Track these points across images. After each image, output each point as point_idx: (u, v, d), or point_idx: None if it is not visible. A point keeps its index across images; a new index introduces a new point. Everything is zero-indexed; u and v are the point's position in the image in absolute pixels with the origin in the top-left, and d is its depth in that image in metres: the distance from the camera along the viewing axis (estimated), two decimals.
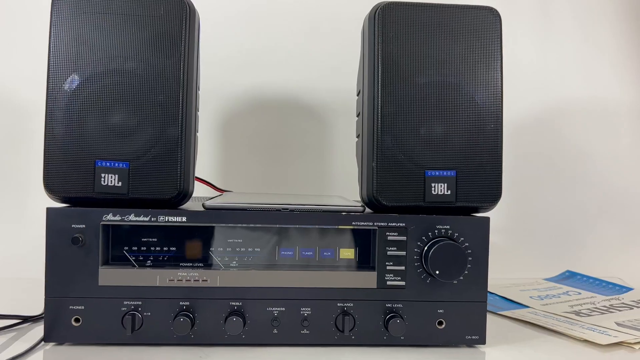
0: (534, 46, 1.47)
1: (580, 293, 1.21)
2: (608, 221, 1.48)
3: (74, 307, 0.79)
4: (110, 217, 0.79)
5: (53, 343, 0.80)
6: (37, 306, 0.89)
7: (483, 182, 0.83)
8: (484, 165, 0.83)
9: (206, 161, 1.35)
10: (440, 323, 0.83)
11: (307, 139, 1.39)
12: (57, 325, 0.79)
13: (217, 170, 1.36)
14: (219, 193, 1.15)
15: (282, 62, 1.40)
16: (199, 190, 1.01)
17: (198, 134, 0.96)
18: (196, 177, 1.00)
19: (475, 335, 0.84)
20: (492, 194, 0.84)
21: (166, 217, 0.80)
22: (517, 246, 1.45)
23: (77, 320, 0.79)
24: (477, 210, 0.86)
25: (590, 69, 1.48)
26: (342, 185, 1.39)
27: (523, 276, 1.38)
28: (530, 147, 1.47)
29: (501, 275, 1.34)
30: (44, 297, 0.79)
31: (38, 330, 0.80)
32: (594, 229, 1.48)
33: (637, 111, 1.49)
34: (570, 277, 1.36)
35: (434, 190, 0.83)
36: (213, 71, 1.34)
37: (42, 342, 0.79)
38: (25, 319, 0.90)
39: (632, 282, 1.30)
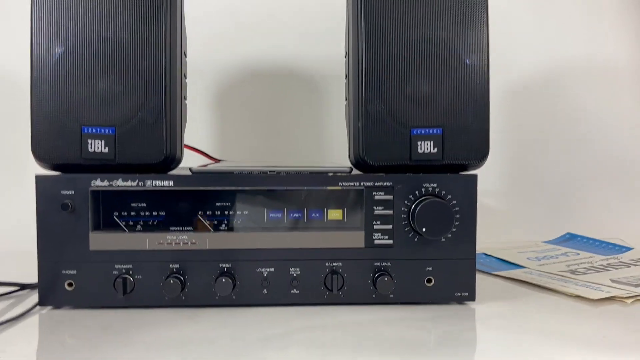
0: (532, 5, 1.44)
1: (578, 254, 1.21)
2: (609, 182, 1.46)
3: (67, 272, 0.80)
4: (98, 182, 0.80)
5: (48, 307, 0.82)
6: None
7: (470, 139, 0.83)
8: (471, 122, 0.83)
9: (202, 132, 1.35)
10: (429, 280, 0.83)
11: (304, 108, 1.39)
12: (51, 290, 0.80)
13: (213, 141, 1.36)
14: (213, 162, 1.15)
15: (276, 31, 1.39)
16: (194, 161, 1.01)
17: (187, 102, 0.96)
18: (187, 145, 1.01)
19: (464, 292, 0.84)
20: (480, 151, 0.83)
21: (153, 182, 0.81)
22: (516, 209, 1.45)
23: (70, 284, 0.81)
24: (465, 168, 0.86)
25: (590, 27, 1.45)
26: (340, 153, 1.38)
27: (524, 239, 1.37)
28: (529, 108, 1.45)
29: (499, 238, 1.34)
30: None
31: (36, 297, 0.81)
32: (595, 190, 1.47)
33: (638, 70, 1.47)
34: (570, 239, 1.35)
35: (420, 148, 0.82)
36: (208, 42, 1.34)
37: (37, 307, 0.81)
38: (23, 286, 0.92)
39: (634, 242, 1.29)
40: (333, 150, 1.38)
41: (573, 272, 1.04)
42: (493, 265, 1.11)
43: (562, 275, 1.01)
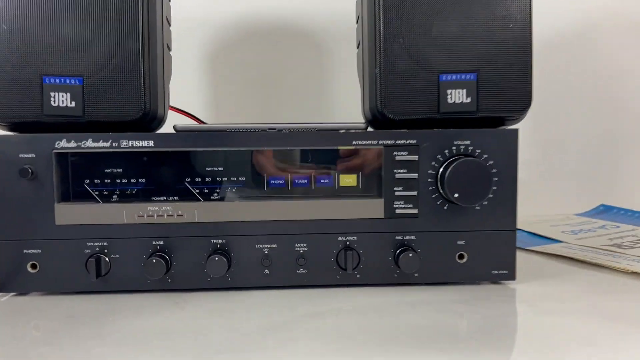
0: None
1: (618, 226, 1.07)
2: None
3: (29, 251, 0.67)
4: (64, 143, 0.67)
5: (9, 294, 0.69)
6: None
7: (509, 86, 0.69)
8: (510, 65, 0.69)
9: (195, 98, 1.21)
10: (460, 256, 0.70)
11: (306, 70, 1.24)
12: (11, 273, 0.67)
13: (207, 107, 1.22)
14: None
15: None
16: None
17: (172, 53, 0.82)
18: (172, 107, 0.87)
19: (502, 270, 0.71)
20: (521, 101, 0.69)
21: (130, 142, 0.67)
22: (543, 179, 1.31)
23: (33, 266, 0.67)
24: (501, 122, 0.72)
25: None
26: (346, 119, 1.24)
27: (551, 212, 1.24)
28: (559, 66, 1.30)
29: (527, 211, 1.20)
30: None
31: None
32: (629, 158, 1.33)
33: None
34: (605, 212, 1.22)
35: (450, 98, 0.68)
36: None
37: None
38: None
39: None
40: (338, 116, 1.24)
41: (619, 246, 0.91)
42: (525, 239, 0.98)
43: (608, 250, 0.88)
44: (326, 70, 1.25)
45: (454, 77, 0.68)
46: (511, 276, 0.71)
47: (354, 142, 0.69)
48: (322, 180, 0.71)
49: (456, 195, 0.66)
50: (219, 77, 1.22)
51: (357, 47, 0.83)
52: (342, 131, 0.69)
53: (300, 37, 1.24)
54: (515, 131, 0.69)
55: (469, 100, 0.69)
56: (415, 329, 0.56)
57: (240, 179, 0.70)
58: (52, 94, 0.67)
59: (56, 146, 0.67)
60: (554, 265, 0.82)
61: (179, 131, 0.69)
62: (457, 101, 0.68)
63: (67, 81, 0.67)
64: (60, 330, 0.57)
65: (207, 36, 1.21)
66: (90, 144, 0.67)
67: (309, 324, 0.58)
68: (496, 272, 0.71)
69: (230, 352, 0.51)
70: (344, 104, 1.25)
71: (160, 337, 0.55)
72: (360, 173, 0.70)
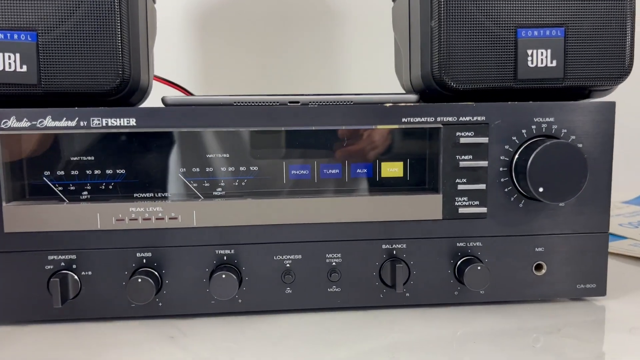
0: None
1: None
2: None
3: None
4: (12, 122, 0.49)
5: None
6: None
7: (604, 46, 0.52)
8: (605, 20, 0.52)
9: (182, 65, 1.02)
10: (538, 267, 0.55)
11: (313, 34, 1.06)
12: None
13: (195, 76, 1.04)
14: None
15: None
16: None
17: (156, 7, 0.64)
18: (156, 77, 0.69)
19: (590, 284, 0.55)
20: (618, 66, 0.53)
21: (103, 120, 0.50)
22: None
23: None
24: (588, 93, 0.56)
25: None
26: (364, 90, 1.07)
27: None
28: None
29: None
30: None
31: None
32: None
33: None
34: None
35: (531, 61, 0.52)
36: None
37: None
38: None
39: None
40: (353, 86, 1.06)
41: None
42: None
43: None
44: (336, 34, 1.07)
45: (535, 32, 0.52)
46: (601, 291, 0.55)
47: (403, 120, 0.52)
48: (358, 170, 0.54)
49: (541, 189, 0.50)
50: (210, 42, 1.04)
51: (394, 0, 0.66)
52: (388, 105, 0.52)
53: None
54: (612, 105, 0.53)
55: (554, 63, 0.52)
56: None
57: (251, 169, 0.53)
58: None
59: (2, 126, 0.49)
60: (635, 271, 0.67)
61: (170, 105, 0.52)
62: (539, 64, 0.52)
63: (15, 37, 0.49)
64: None
65: None
66: (49, 122, 0.49)
67: None
68: (582, 286, 0.55)
69: None
70: (356, 73, 1.07)
71: None
72: (408, 160, 0.54)
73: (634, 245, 0.76)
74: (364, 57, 1.04)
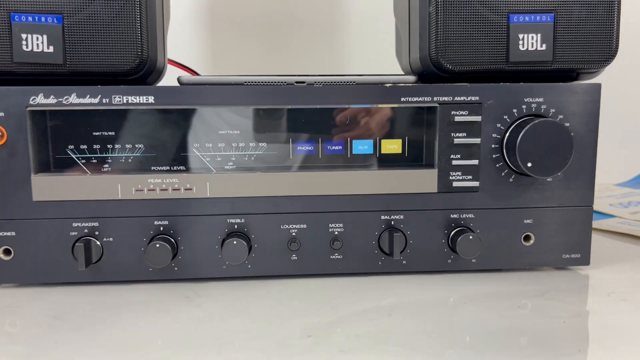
0: None
1: None
2: None
3: (1, 234, 0.54)
4: (40, 99, 0.53)
5: None
6: None
7: (592, 31, 0.56)
8: (594, 5, 0.56)
9: (188, 50, 1.06)
10: (526, 238, 0.59)
11: (316, 17, 1.09)
12: None
13: (202, 60, 1.07)
14: None
15: None
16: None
17: None
18: (170, 60, 0.73)
19: (575, 254, 0.59)
20: (605, 49, 0.57)
21: (124, 97, 0.54)
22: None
23: (7, 252, 0.54)
24: (576, 76, 0.59)
25: None
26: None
27: None
28: None
29: None
30: None
31: None
32: None
33: None
34: None
35: (522, 44, 0.55)
36: None
37: None
38: None
39: None
40: (355, 70, 1.10)
41: None
42: None
43: None
44: (338, 16, 1.11)
45: (526, 18, 0.55)
46: (585, 261, 0.60)
47: (402, 99, 0.56)
48: (359, 147, 0.58)
49: (529, 164, 0.54)
50: (217, 27, 1.07)
51: None
52: (388, 85, 0.56)
53: None
54: (598, 87, 0.57)
55: (544, 47, 0.56)
56: (487, 333, 0.45)
57: (260, 144, 0.57)
58: (23, 36, 0.52)
59: (31, 102, 0.53)
60: (621, 246, 0.71)
61: (185, 84, 0.56)
62: (530, 48, 0.55)
63: (43, 19, 0.53)
64: (43, 336, 0.45)
65: None
66: (74, 99, 0.53)
67: (359, 328, 0.46)
68: (567, 256, 0.59)
69: None
70: (358, 56, 1.10)
71: (175, 349, 0.42)
72: (406, 137, 0.58)
73: (621, 223, 0.80)
74: (366, 42, 1.08)
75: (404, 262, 0.58)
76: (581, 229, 0.59)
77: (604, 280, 0.58)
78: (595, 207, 0.90)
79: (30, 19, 0.52)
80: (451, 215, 0.58)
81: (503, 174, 0.57)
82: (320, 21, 1.09)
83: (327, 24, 1.09)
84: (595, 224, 0.81)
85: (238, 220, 0.56)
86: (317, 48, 1.09)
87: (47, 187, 0.54)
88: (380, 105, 0.56)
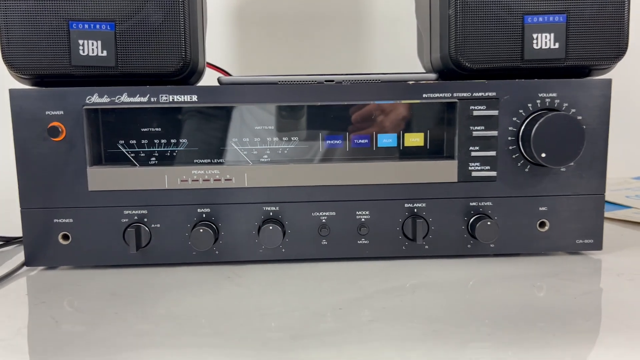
0: None
1: None
2: None
3: (60, 221, 0.60)
4: (95, 98, 0.59)
5: (38, 268, 0.62)
6: None
7: (602, 29, 0.60)
8: (604, 5, 0.59)
9: (218, 50, 1.11)
10: (542, 224, 0.63)
11: (340, 20, 1.14)
12: (40, 245, 0.60)
13: (232, 61, 1.13)
14: None
15: None
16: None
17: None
18: (208, 64, 0.78)
19: (588, 239, 0.63)
20: (615, 47, 0.60)
21: (170, 96, 0.59)
22: None
23: (65, 237, 0.60)
24: (589, 71, 0.63)
25: None
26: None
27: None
28: None
29: None
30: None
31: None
32: None
33: None
34: None
35: (536, 43, 0.60)
36: None
37: (25, 267, 0.61)
38: (9, 240, 0.72)
39: None
40: (378, 69, 1.14)
41: None
42: None
43: None
44: (361, 17, 1.15)
45: (540, 19, 0.59)
46: (597, 246, 0.63)
47: (424, 95, 0.60)
48: (384, 140, 0.62)
49: (544, 155, 0.58)
50: (247, 30, 1.13)
51: None
52: (410, 82, 0.61)
53: None
54: (609, 82, 0.61)
55: (557, 46, 0.60)
56: (504, 309, 0.49)
57: (293, 138, 0.62)
58: (80, 42, 0.58)
59: (87, 102, 0.59)
60: (634, 234, 0.74)
61: (224, 84, 0.61)
62: (544, 46, 0.59)
63: (97, 27, 0.58)
64: (101, 310, 0.50)
65: None
66: (125, 98, 0.59)
67: (385, 303, 0.50)
68: (581, 241, 0.63)
69: (309, 336, 0.44)
70: (381, 54, 1.14)
71: (222, 319, 0.48)
72: (428, 131, 0.62)
73: (637, 213, 0.83)
74: (387, 42, 1.12)
75: (427, 247, 0.62)
76: (594, 216, 0.63)
77: (615, 263, 0.61)
78: (613, 198, 0.93)
79: (86, 26, 0.58)
80: (470, 203, 0.62)
81: (519, 164, 0.61)
82: (344, 21, 1.13)
83: (352, 24, 1.14)
84: (612, 214, 0.84)
85: (273, 208, 0.61)
86: (342, 47, 1.13)
87: (101, 178, 0.60)
88: (403, 102, 0.61)
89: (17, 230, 0.69)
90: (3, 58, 0.58)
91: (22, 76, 0.60)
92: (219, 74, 0.84)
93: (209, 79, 0.70)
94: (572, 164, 0.60)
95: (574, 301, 0.50)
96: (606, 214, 0.83)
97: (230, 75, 0.85)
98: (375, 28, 1.13)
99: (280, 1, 1.12)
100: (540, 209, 0.62)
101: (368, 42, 1.14)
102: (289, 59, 1.13)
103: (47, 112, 0.58)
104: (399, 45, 1.06)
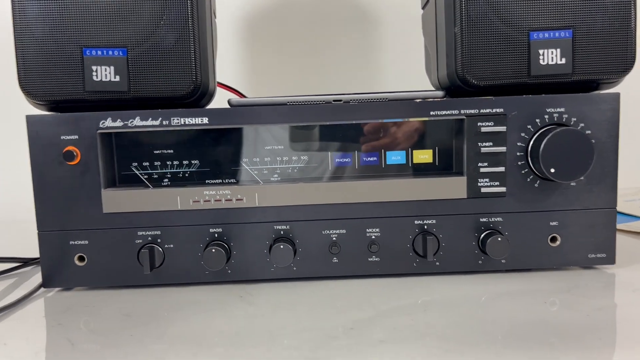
0: None
1: None
2: None
3: (76, 243, 0.61)
4: (109, 122, 0.60)
5: (56, 289, 0.63)
6: None
7: (609, 44, 0.60)
8: (610, 20, 0.60)
9: (229, 70, 1.13)
10: (553, 239, 0.62)
11: (350, 38, 1.15)
12: (57, 266, 0.61)
13: (242, 80, 1.14)
14: None
15: None
16: (223, 104, 0.79)
17: (217, 21, 0.75)
18: (219, 83, 0.80)
19: (600, 253, 0.63)
20: (622, 62, 0.61)
21: (182, 119, 0.60)
22: None
23: (81, 258, 0.62)
24: (597, 85, 0.63)
25: None
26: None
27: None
28: None
29: None
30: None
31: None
32: None
33: None
34: None
35: (543, 59, 0.60)
36: None
37: (42, 289, 0.62)
38: (26, 262, 0.73)
39: None
40: (387, 85, 1.15)
41: None
42: None
43: None
44: (371, 36, 1.16)
45: (546, 35, 0.59)
46: (610, 260, 0.63)
47: (432, 113, 0.61)
48: (393, 157, 0.63)
49: (553, 170, 0.58)
50: (255, 48, 1.14)
51: (423, 7, 0.75)
52: (417, 100, 0.61)
53: (343, 1, 1.15)
54: (617, 96, 0.61)
55: (563, 61, 0.60)
56: (516, 327, 0.49)
57: (302, 157, 0.63)
58: (94, 67, 0.60)
59: (101, 126, 0.60)
60: None
61: (234, 106, 0.62)
62: (550, 62, 0.60)
63: (110, 53, 0.60)
64: (116, 331, 0.51)
65: (242, 5, 1.13)
66: (138, 122, 0.60)
67: (397, 322, 0.51)
68: (593, 255, 0.63)
69: (321, 358, 0.44)
70: (391, 74, 1.15)
71: (235, 339, 0.48)
72: (437, 147, 0.63)
73: None
74: (397, 59, 1.13)
75: (437, 263, 0.62)
76: (605, 230, 0.62)
77: (629, 277, 0.61)
78: (626, 209, 0.93)
79: (99, 52, 0.60)
80: (480, 219, 0.62)
81: (528, 179, 0.61)
82: (353, 39, 1.14)
83: (361, 42, 1.15)
84: (625, 225, 0.83)
85: (284, 227, 0.62)
86: (351, 64, 1.14)
87: (115, 200, 0.61)
88: (411, 119, 0.61)
89: (34, 251, 0.70)
90: (20, 85, 0.60)
91: (38, 102, 0.61)
92: (229, 92, 0.85)
93: (219, 96, 0.71)
94: (581, 178, 0.60)
95: (587, 318, 0.50)
96: (619, 226, 0.83)
97: (240, 93, 0.87)
98: (385, 44, 1.14)
99: (289, 18, 1.13)
100: (551, 223, 0.62)
101: (378, 59, 1.15)
102: (299, 74, 1.14)
103: (62, 137, 0.60)
104: (408, 62, 1.07)
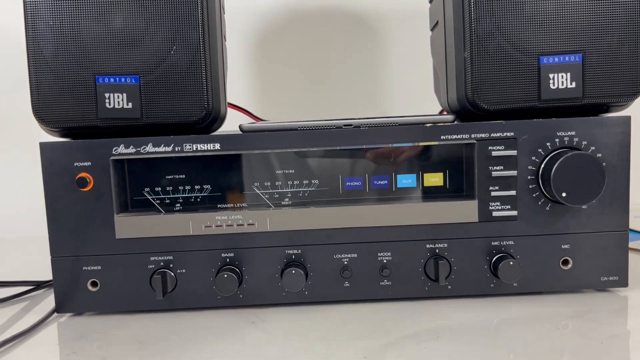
0: None
1: None
2: None
3: (89, 268, 0.62)
4: (121, 149, 0.61)
5: (67, 314, 0.64)
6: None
7: (619, 67, 0.60)
8: (619, 44, 0.60)
9: (238, 89, 1.14)
10: (565, 262, 0.62)
11: (358, 56, 1.16)
12: (70, 292, 0.62)
13: (251, 99, 1.15)
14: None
15: None
16: (231, 124, 0.79)
17: (226, 43, 0.75)
18: (229, 104, 0.80)
19: (613, 276, 0.63)
20: (631, 85, 0.61)
21: (194, 145, 0.61)
22: None
23: (94, 284, 0.62)
24: (607, 109, 0.63)
25: None
26: (406, 107, 1.16)
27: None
28: None
29: None
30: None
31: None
32: None
33: None
34: None
35: (553, 83, 0.60)
36: None
37: (55, 314, 0.63)
38: (39, 285, 0.74)
39: None
40: (395, 104, 1.15)
41: None
42: None
43: None
44: (379, 54, 1.17)
45: (556, 59, 0.60)
46: (623, 283, 0.63)
47: (442, 137, 0.61)
48: (404, 181, 0.63)
49: (564, 194, 0.58)
50: (263, 66, 1.15)
51: (432, 29, 0.75)
52: (428, 125, 0.61)
53: (349, 19, 1.16)
54: (628, 119, 0.61)
55: (573, 85, 0.60)
56: (529, 356, 0.49)
57: (313, 181, 0.63)
58: (106, 95, 0.60)
59: (114, 152, 0.60)
60: None
61: (246, 131, 0.62)
62: (560, 86, 0.60)
63: (123, 80, 0.60)
64: (130, 357, 0.51)
65: (250, 23, 1.14)
66: (150, 148, 0.61)
67: (411, 349, 0.51)
68: (605, 278, 0.63)
69: None
70: (399, 91, 1.16)
71: None
72: (447, 171, 0.63)
73: None
74: (406, 78, 1.13)
75: (449, 287, 0.62)
76: (618, 252, 0.62)
77: (638, 300, 0.61)
78: (638, 226, 0.92)
79: (112, 80, 0.60)
80: (492, 243, 0.62)
81: (540, 203, 0.61)
82: (362, 59, 1.15)
83: (369, 62, 1.15)
84: (637, 244, 0.83)
85: (295, 251, 0.62)
86: (359, 85, 1.15)
87: (128, 225, 0.61)
88: (421, 144, 0.62)
89: (45, 273, 0.70)
90: (33, 112, 0.61)
91: (51, 129, 0.62)
92: (239, 113, 0.86)
93: (229, 115, 0.72)
94: (593, 202, 0.60)
95: (601, 346, 0.50)
96: (632, 245, 0.82)
97: (250, 113, 0.88)
98: (395, 73, 1.15)
99: (298, 39, 1.14)
100: (562, 247, 0.62)
101: (390, 86, 1.15)
102: (309, 98, 1.15)
103: (75, 164, 0.60)
104: (417, 82, 1.07)
